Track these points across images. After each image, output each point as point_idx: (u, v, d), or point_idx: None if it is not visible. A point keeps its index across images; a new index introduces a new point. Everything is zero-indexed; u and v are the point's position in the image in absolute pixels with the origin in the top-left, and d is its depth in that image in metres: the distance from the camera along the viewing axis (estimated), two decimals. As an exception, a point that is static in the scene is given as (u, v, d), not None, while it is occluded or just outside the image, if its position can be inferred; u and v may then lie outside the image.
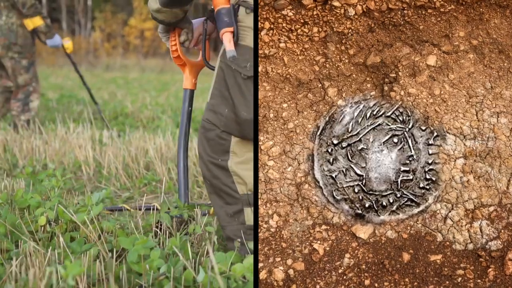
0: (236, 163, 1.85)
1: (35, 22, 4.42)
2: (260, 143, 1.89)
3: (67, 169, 3.22)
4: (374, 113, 1.89)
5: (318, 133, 1.90)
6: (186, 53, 2.22)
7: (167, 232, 2.05)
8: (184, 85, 2.21)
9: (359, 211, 1.82)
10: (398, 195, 1.82)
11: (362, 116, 1.89)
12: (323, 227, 1.81)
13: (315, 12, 1.87)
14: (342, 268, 1.74)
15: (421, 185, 1.83)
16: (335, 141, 1.88)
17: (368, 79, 1.93)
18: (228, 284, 1.59)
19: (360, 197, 1.83)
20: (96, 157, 3.36)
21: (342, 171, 1.85)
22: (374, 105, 1.90)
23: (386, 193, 1.83)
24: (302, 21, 1.88)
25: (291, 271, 1.74)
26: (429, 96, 1.88)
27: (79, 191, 2.78)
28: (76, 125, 4.39)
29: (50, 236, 1.98)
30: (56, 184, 2.43)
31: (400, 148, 1.85)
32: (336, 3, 1.85)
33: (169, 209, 2.21)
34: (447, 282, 1.69)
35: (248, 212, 1.87)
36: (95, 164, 3.29)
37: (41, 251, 1.71)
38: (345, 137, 1.88)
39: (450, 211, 1.80)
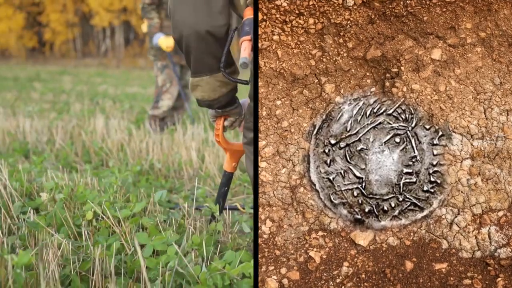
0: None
1: (145, 23, 5.08)
2: (252, 143, 1.91)
3: (171, 168, 3.58)
4: (375, 111, 1.88)
5: (314, 133, 1.89)
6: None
7: (195, 230, 2.24)
8: (224, 166, 2.38)
9: (359, 216, 1.82)
10: (401, 199, 1.82)
11: (362, 114, 1.89)
12: (320, 233, 1.80)
13: (311, 2, 1.86)
14: (340, 277, 1.74)
15: (425, 188, 1.82)
16: (333, 141, 1.87)
17: (368, 74, 1.93)
18: (224, 281, 1.72)
19: (360, 201, 1.83)
20: (197, 158, 3.75)
21: (340, 173, 1.85)
22: (374, 102, 1.90)
23: (388, 197, 1.82)
24: (297, 11, 1.87)
25: (285, 281, 1.73)
26: (434, 93, 1.87)
27: (179, 190, 3.20)
28: (192, 126, 4.94)
29: (97, 230, 2.26)
30: (114, 182, 2.76)
31: (403, 149, 1.85)
32: (334, -7, 1.88)
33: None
34: (453, 292, 1.73)
35: None
36: (198, 164, 3.65)
37: (65, 243, 1.93)
38: (343, 136, 1.87)
39: (456, 216, 1.80)
